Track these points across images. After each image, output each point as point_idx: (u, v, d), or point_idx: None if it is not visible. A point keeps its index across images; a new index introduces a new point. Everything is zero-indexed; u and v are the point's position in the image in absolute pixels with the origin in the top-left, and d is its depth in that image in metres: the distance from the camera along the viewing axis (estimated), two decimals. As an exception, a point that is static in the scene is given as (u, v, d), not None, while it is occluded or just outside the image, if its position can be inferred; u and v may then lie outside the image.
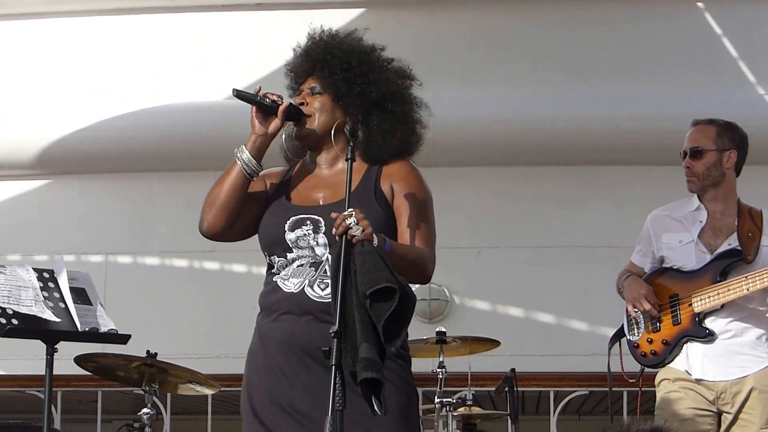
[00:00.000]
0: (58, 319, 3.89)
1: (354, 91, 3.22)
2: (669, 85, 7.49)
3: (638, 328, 4.32)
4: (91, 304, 4.00)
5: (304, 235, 3.18)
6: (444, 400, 5.38)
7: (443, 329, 5.52)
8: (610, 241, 6.98)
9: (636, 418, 2.35)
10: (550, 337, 7.44)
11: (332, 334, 2.82)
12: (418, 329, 6.67)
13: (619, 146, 7.44)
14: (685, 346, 4.20)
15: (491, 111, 7.53)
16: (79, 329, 3.91)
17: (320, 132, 3.26)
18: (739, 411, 4.14)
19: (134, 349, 4.38)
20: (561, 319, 7.49)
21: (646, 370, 4.36)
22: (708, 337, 4.16)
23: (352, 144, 3.06)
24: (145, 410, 4.83)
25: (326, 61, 3.25)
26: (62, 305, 3.94)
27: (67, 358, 4.45)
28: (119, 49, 7.86)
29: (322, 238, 3.16)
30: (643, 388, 4.37)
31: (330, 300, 3.05)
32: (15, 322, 3.79)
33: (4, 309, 3.79)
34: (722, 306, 4.16)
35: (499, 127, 7.45)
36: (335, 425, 2.74)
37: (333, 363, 2.80)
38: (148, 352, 4.79)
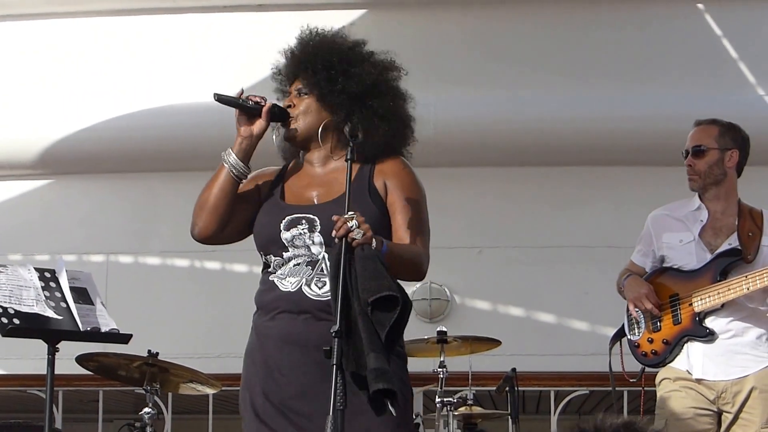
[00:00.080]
0: (59, 317, 3.90)
1: (336, 89, 3.23)
2: (669, 86, 7.49)
3: (639, 328, 4.33)
4: (93, 304, 4.01)
5: (300, 234, 3.18)
6: (445, 399, 5.38)
7: (444, 329, 5.52)
8: (611, 241, 6.98)
9: (609, 414, 2.34)
10: (550, 336, 7.44)
11: (333, 334, 2.83)
12: (419, 329, 6.69)
13: (620, 147, 7.44)
14: (685, 345, 4.20)
15: (492, 111, 7.53)
16: (81, 329, 3.91)
17: (306, 133, 3.28)
18: (740, 410, 4.15)
19: (135, 348, 4.39)
20: (561, 319, 7.49)
21: (647, 369, 4.36)
22: (708, 336, 4.16)
23: (351, 145, 3.07)
24: (146, 410, 4.84)
25: (309, 61, 3.27)
26: (64, 305, 3.94)
27: (68, 358, 4.46)
28: (120, 49, 7.87)
29: (317, 237, 3.17)
30: (645, 388, 4.37)
31: (328, 298, 3.08)
32: (17, 321, 3.80)
33: (5, 308, 3.80)
34: (722, 305, 4.16)
35: (499, 127, 7.45)
36: (336, 425, 2.75)
37: (334, 363, 2.80)
38: (149, 351, 4.80)
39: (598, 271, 6.94)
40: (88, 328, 3.93)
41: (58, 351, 3.93)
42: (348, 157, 3.05)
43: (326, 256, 3.14)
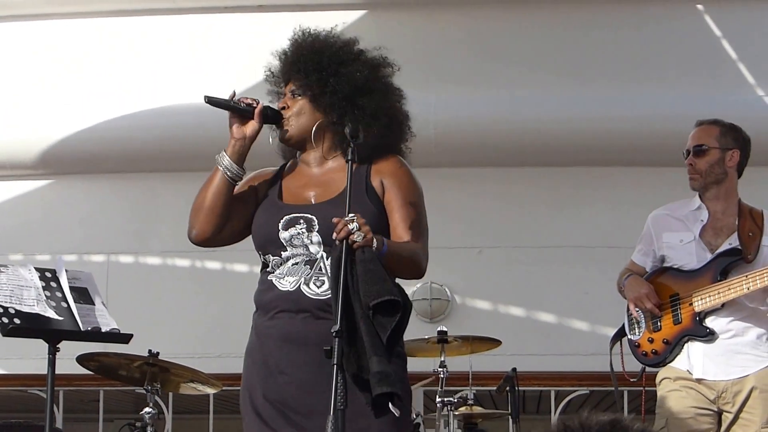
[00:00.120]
0: (60, 317, 3.90)
1: (327, 90, 3.24)
2: (669, 86, 7.50)
3: (639, 328, 4.33)
4: (93, 304, 4.01)
5: (298, 233, 3.19)
6: (445, 399, 5.39)
7: (444, 329, 5.53)
8: (611, 242, 6.98)
9: (595, 412, 2.34)
10: (551, 336, 7.44)
11: (333, 334, 2.84)
12: (419, 329, 6.70)
13: (619, 147, 7.44)
14: (686, 345, 4.21)
15: (492, 112, 7.53)
16: (81, 329, 3.91)
17: (300, 134, 3.29)
18: (740, 410, 4.15)
19: (136, 348, 4.39)
20: (562, 319, 7.49)
21: (648, 369, 4.37)
22: (709, 336, 4.17)
23: (352, 146, 3.07)
24: (146, 409, 4.85)
25: (300, 63, 3.28)
26: (64, 305, 3.94)
27: (69, 358, 4.46)
28: (121, 50, 7.87)
29: (315, 236, 3.17)
30: (646, 388, 4.37)
31: (326, 297, 3.10)
32: (17, 321, 3.80)
33: (6, 308, 3.80)
34: (723, 305, 4.17)
35: (499, 127, 7.45)
36: (336, 424, 2.75)
37: (335, 362, 2.81)
38: (149, 351, 4.80)
39: (599, 271, 6.94)
40: (89, 328, 3.93)
41: (58, 351, 3.93)
42: (348, 157, 3.06)
43: (324, 255, 3.15)
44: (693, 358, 4.19)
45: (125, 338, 3.98)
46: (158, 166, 7.67)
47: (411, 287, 6.66)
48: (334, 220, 2.95)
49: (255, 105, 3.28)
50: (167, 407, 6.71)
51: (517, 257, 7.55)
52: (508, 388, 5.38)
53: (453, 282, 7.51)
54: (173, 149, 7.43)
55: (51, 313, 3.88)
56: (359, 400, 2.93)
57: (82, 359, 4.84)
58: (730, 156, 4.29)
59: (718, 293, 4.15)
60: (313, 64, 3.26)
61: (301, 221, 3.20)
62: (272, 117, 3.30)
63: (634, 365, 4.40)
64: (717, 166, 4.29)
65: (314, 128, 3.27)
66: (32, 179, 7.88)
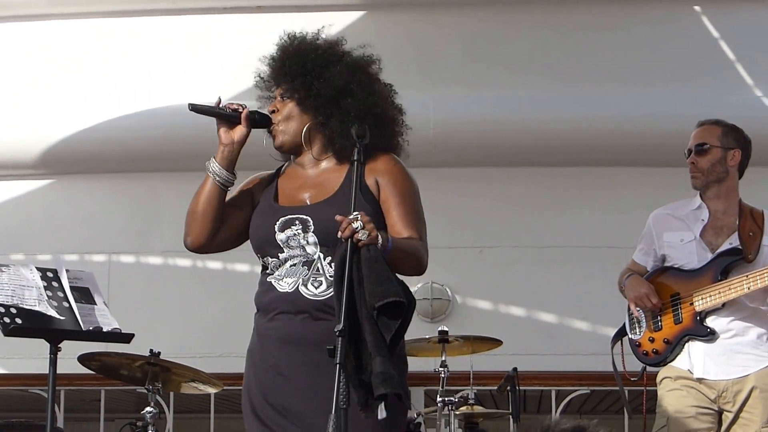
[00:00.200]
0: (61, 317, 3.91)
1: (312, 93, 3.25)
2: (667, 87, 7.50)
3: (640, 327, 4.34)
4: (95, 304, 4.01)
5: (294, 234, 3.20)
6: (446, 399, 5.40)
7: (445, 328, 5.54)
8: (611, 242, 6.99)
9: (560, 418, 2.36)
10: (551, 336, 7.44)
11: (336, 333, 2.84)
12: (420, 328, 6.71)
13: (620, 148, 7.45)
14: (686, 344, 4.22)
15: (491, 112, 7.54)
16: (83, 328, 3.92)
17: (292, 140, 3.30)
18: (740, 410, 4.16)
19: (137, 348, 4.40)
20: (562, 319, 7.49)
21: (648, 368, 4.37)
22: (709, 336, 4.17)
23: (359, 146, 3.07)
24: (148, 409, 4.86)
25: (286, 67, 3.29)
26: (66, 304, 3.95)
27: (70, 357, 4.47)
28: (121, 50, 7.88)
29: (312, 237, 3.18)
30: (647, 387, 4.38)
31: (324, 298, 3.12)
32: (19, 321, 3.80)
33: (7, 308, 3.81)
34: (723, 305, 4.17)
35: (499, 127, 7.46)
36: (339, 423, 2.76)
37: (338, 362, 2.82)
38: (151, 351, 4.81)
39: (599, 271, 6.95)
40: (90, 328, 3.94)
41: (60, 350, 3.93)
42: (355, 158, 3.06)
43: (321, 256, 3.16)
44: (694, 357, 4.20)
45: (126, 338, 3.99)
46: (159, 165, 7.68)
47: (412, 287, 6.59)
48: (338, 218, 2.95)
49: (241, 110, 3.29)
50: (168, 407, 6.71)
51: (517, 257, 7.55)
52: (508, 388, 5.39)
53: (454, 282, 7.51)
54: (174, 149, 7.43)
55: (52, 313, 3.89)
56: (353, 400, 2.93)
57: (83, 359, 4.85)
58: (731, 155, 4.31)
59: (719, 293, 4.16)
60: (297, 67, 3.27)
61: (297, 222, 3.20)
62: (260, 121, 3.31)
63: (634, 365, 4.41)
64: (719, 164, 4.30)
65: (303, 131, 3.28)
66: (34, 179, 7.89)
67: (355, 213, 2.94)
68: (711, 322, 4.19)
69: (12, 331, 3.80)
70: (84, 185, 7.89)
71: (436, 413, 5.48)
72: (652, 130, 7.25)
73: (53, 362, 3.92)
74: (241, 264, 7.35)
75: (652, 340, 4.29)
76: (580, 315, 7.41)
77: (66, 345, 3.95)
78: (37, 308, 3.88)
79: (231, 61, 7.49)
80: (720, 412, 4.20)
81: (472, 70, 7.64)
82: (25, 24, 7.95)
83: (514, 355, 6.26)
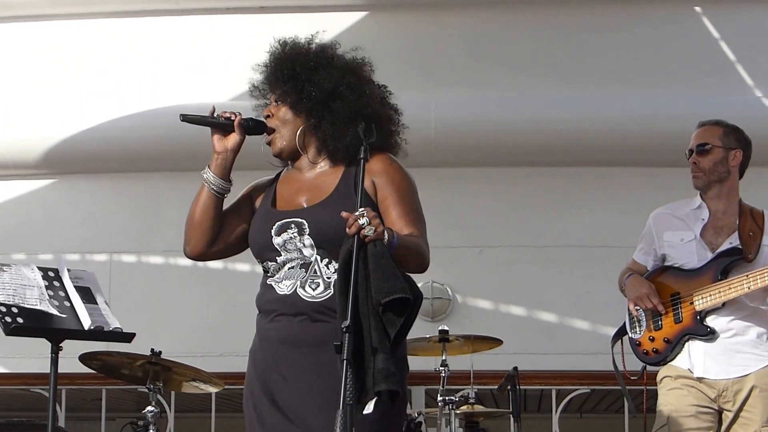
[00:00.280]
0: (63, 316, 3.91)
1: (303, 96, 3.26)
2: (667, 88, 7.51)
3: (640, 327, 4.34)
4: (96, 303, 4.02)
5: (291, 238, 3.21)
6: (447, 398, 5.40)
7: (446, 328, 5.55)
8: (611, 241, 7.00)
9: None
10: (552, 335, 7.45)
11: (344, 329, 2.85)
12: (420, 328, 6.67)
13: (620, 148, 7.46)
14: (686, 344, 4.22)
15: (492, 112, 7.54)
16: (84, 328, 3.92)
17: (289, 146, 3.31)
18: (740, 409, 4.16)
19: (138, 347, 4.41)
20: (563, 318, 7.50)
21: (648, 367, 4.38)
22: (709, 335, 4.18)
23: (365, 144, 3.08)
24: (149, 408, 4.87)
25: (278, 72, 3.30)
26: (67, 304, 3.95)
27: (71, 357, 4.47)
28: (123, 50, 7.89)
29: (308, 240, 3.19)
30: (647, 387, 4.38)
31: (322, 299, 3.13)
32: (20, 320, 3.81)
33: (9, 307, 3.82)
34: (723, 304, 4.17)
35: (500, 128, 7.46)
36: (346, 419, 2.76)
37: (345, 357, 2.82)
38: (152, 350, 4.82)
39: (599, 271, 6.95)
40: (92, 327, 3.94)
41: (61, 350, 3.93)
42: (360, 156, 3.07)
43: (318, 258, 3.18)
44: (694, 356, 4.20)
45: (128, 337, 3.99)
46: (161, 165, 7.68)
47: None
48: (344, 214, 2.95)
49: (234, 118, 3.30)
50: (169, 406, 6.72)
51: (518, 257, 7.56)
52: (509, 387, 5.39)
53: (454, 281, 7.52)
54: (175, 149, 7.44)
55: (54, 312, 3.90)
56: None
57: (84, 358, 4.85)
58: (733, 155, 4.31)
59: (719, 292, 4.16)
60: (288, 71, 3.28)
61: (293, 226, 3.21)
62: (255, 128, 3.32)
63: (634, 364, 4.41)
64: (720, 164, 4.30)
65: (297, 134, 3.29)
66: (35, 179, 7.90)
67: (361, 209, 2.94)
68: (711, 321, 4.20)
69: (13, 331, 3.80)
70: (85, 185, 7.90)
71: (436, 412, 5.49)
72: (652, 131, 7.25)
73: (54, 361, 3.92)
74: (241, 264, 7.36)
75: (652, 340, 4.30)
76: (580, 314, 7.42)
77: (67, 344, 3.96)
78: (38, 308, 3.88)
79: (234, 61, 7.49)
80: (720, 412, 4.20)
81: (474, 71, 7.65)
82: (27, 24, 7.96)
83: (514, 355, 6.27)
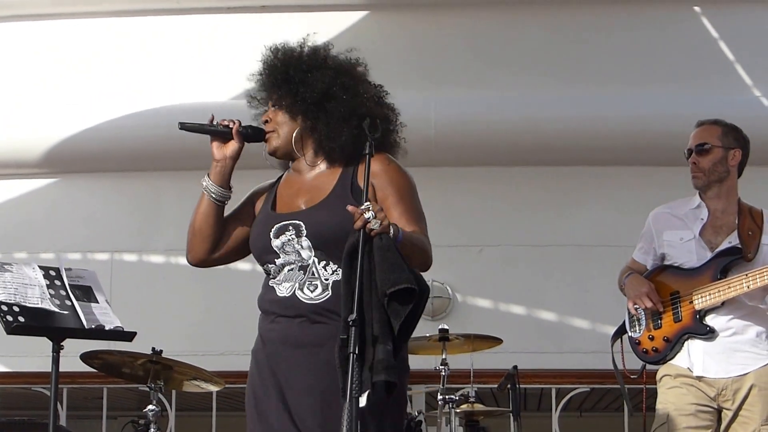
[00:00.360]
0: (64, 314, 3.92)
1: (298, 99, 3.27)
2: (667, 87, 7.51)
3: (640, 325, 4.34)
4: (97, 302, 4.02)
5: (289, 240, 3.22)
6: (447, 397, 5.41)
7: (446, 327, 5.55)
8: (611, 240, 7.00)
9: None
10: (551, 334, 7.45)
11: (350, 323, 2.85)
12: (420, 327, 6.63)
13: (619, 147, 7.46)
14: (686, 343, 4.22)
15: (492, 112, 7.54)
16: (85, 327, 3.93)
17: (284, 146, 3.32)
18: (740, 408, 4.16)
19: (140, 346, 4.41)
20: (562, 317, 7.50)
21: (648, 366, 4.39)
22: (709, 334, 4.18)
23: (370, 140, 3.08)
24: (150, 407, 4.88)
25: (272, 77, 3.31)
26: (68, 303, 3.96)
27: (73, 355, 4.47)
28: (125, 50, 7.89)
29: (305, 241, 3.20)
30: (646, 385, 4.39)
31: (320, 301, 3.15)
32: (21, 319, 3.81)
33: (10, 306, 3.82)
34: (723, 303, 4.18)
35: (500, 127, 7.47)
36: (352, 412, 2.77)
37: (351, 351, 2.83)
38: (153, 349, 4.82)
39: (599, 270, 6.96)
40: (93, 326, 3.95)
41: (62, 349, 3.94)
42: (366, 151, 3.08)
43: (316, 260, 3.19)
44: (693, 355, 4.21)
45: (129, 336, 4.00)
46: (162, 164, 7.69)
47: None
48: (350, 208, 2.95)
49: (232, 125, 3.32)
50: (170, 405, 6.73)
51: (517, 256, 7.56)
52: (509, 386, 5.40)
53: (454, 280, 7.52)
54: (177, 148, 7.43)
55: (55, 311, 3.90)
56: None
57: (85, 357, 4.86)
58: (732, 155, 4.31)
59: (719, 291, 4.17)
60: (282, 75, 3.29)
61: (291, 228, 3.23)
62: (253, 135, 3.33)
63: (634, 363, 4.41)
64: (720, 164, 4.30)
65: (294, 136, 3.30)
66: (36, 178, 7.90)
67: (366, 203, 2.95)
68: (710, 320, 4.20)
69: (15, 330, 3.81)
70: (86, 184, 7.90)
71: (436, 411, 5.50)
72: (651, 130, 7.26)
73: (56, 360, 3.92)
74: (242, 263, 7.31)
75: (651, 339, 4.30)
76: (580, 313, 7.42)
77: (68, 343, 3.96)
78: (39, 306, 3.89)
79: (235, 60, 7.49)
80: (719, 410, 4.21)
81: (474, 70, 7.65)
82: (27, 24, 7.96)
83: (514, 353, 6.28)
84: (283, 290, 3.22)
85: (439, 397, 5.42)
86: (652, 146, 7.22)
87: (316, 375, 3.11)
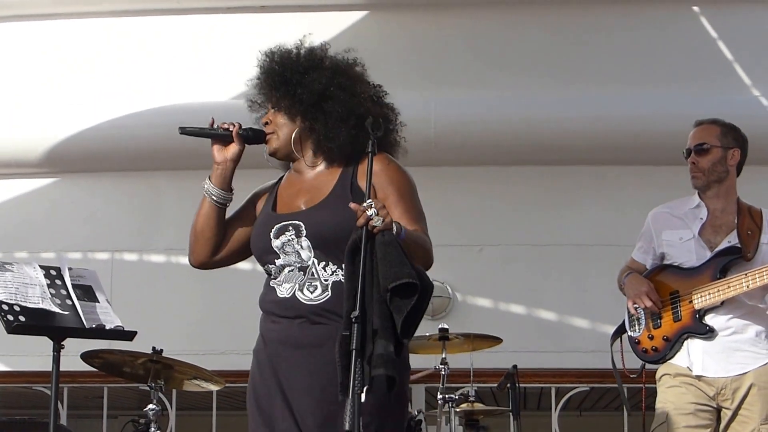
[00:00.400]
0: (65, 313, 3.93)
1: (295, 100, 3.28)
2: (666, 87, 7.50)
3: (639, 325, 4.35)
4: (98, 301, 4.03)
5: (289, 240, 3.23)
6: (447, 396, 5.41)
7: (446, 326, 5.55)
8: (610, 240, 7.00)
9: None
10: (551, 333, 7.45)
11: (353, 319, 2.86)
12: (420, 326, 6.65)
13: (618, 147, 7.45)
14: (685, 342, 4.23)
15: (492, 111, 7.53)
16: (86, 326, 3.94)
17: (283, 147, 3.33)
18: (739, 407, 4.17)
19: (140, 345, 4.41)
20: (562, 316, 7.50)
21: (647, 366, 4.39)
22: (708, 333, 4.19)
23: (373, 138, 3.08)
24: (150, 406, 4.88)
25: (270, 80, 3.32)
26: (69, 302, 3.97)
27: (73, 355, 4.47)
28: (125, 49, 7.89)
29: (305, 242, 3.21)
30: (646, 385, 4.40)
31: (320, 302, 3.16)
32: (22, 318, 3.82)
33: (11, 305, 3.83)
34: (722, 303, 4.19)
35: (500, 127, 7.46)
36: (354, 409, 2.77)
37: (353, 347, 2.83)
38: (153, 348, 4.82)
39: (598, 269, 6.96)
40: (93, 326, 3.95)
41: (63, 348, 3.95)
42: (368, 149, 3.08)
43: (315, 261, 3.20)
44: (693, 355, 4.21)
45: (129, 335, 4.01)
46: (162, 164, 7.68)
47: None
48: (352, 205, 2.96)
49: (231, 129, 3.33)
50: (171, 404, 6.74)
51: (517, 255, 7.55)
52: (508, 385, 5.40)
53: (454, 279, 7.52)
54: (177, 147, 7.42)
55: (56, 311, 3.91)
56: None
57: (86, 356, 4.86)
58: (731, 155, 4.32)
59: (718, 291, 4.18)
60: (279, 78, 3.30)
61: (290, 228, 3.24)
62: (254, 137, 3.35)
63: (633, 362, 4.42)
64: (719, 164, 4.31)
65: (293, 137, 3.31)
66: (37, 177, 7.90)
67: (369, 200, 2.95)
68: (710, 319, 4.21)
69: (15, 329, 3.81)
70: (87, 184, 7.90)
71: (436, 410, 5.50)
72: (650, 130, 7.25)
73: (56, 360, 3.93)
74: (243, 262, 7.36)
75: (651, 338, 4.31)
76: (579, 313, 7.42)
77: (69, 343, 3.97)
78: (40, 306, 3.90)
79: (234, 60, 7.49)
80: (719, 410, 4.22)
81: (474, 70, 7.65)
82: (28, 24, 7.96)
83: (514, 353, 6.28)
84: (283, 291, 3.23)
85: (439, 396, 5.42)
86: (651, 146, 7.22)
87: (316, 375, 3.12)
